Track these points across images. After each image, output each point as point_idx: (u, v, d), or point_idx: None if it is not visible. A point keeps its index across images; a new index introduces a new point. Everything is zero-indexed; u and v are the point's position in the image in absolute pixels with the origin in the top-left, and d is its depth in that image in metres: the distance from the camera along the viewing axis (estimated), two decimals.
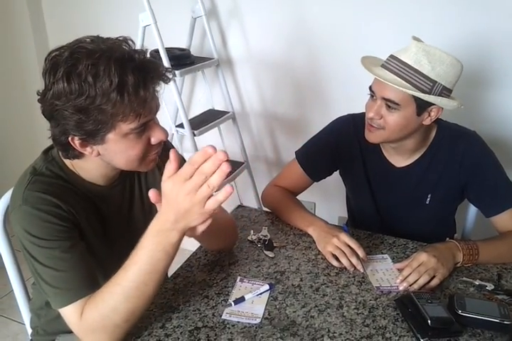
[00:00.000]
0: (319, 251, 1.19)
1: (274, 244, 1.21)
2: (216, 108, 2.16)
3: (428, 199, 1.28)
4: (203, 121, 1.98)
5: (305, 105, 2.01)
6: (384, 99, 1.11)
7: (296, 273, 1.10)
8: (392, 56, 1.13)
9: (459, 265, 1.11)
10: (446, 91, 1.11)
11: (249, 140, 2.21)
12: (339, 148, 1.31)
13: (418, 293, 1.00)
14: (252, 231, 1.26)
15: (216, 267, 1.12)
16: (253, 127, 2.19)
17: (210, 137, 2.12)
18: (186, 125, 1.85)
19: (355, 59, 1.81)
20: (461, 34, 1.62)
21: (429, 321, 0.91)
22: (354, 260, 1.09)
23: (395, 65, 1.10)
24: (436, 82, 1.08)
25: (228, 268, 1.12)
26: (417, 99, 1.09)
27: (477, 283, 1.08)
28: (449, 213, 1.37)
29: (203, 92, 2.18)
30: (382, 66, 1.14)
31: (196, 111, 2.14)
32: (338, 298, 1.02)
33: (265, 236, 1.23)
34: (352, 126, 1.29)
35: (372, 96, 1.16)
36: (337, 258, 1.11)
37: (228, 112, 2.09)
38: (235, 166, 2.13)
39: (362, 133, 1.23)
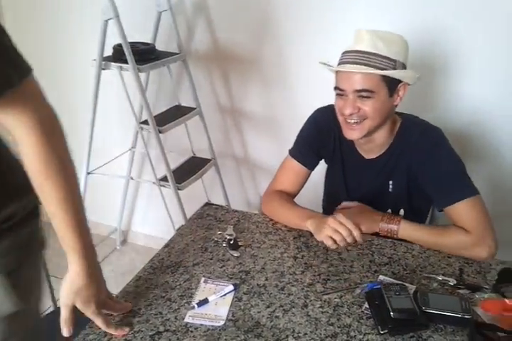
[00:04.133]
0: (285, 249, 1.18)
1: (240, 243, 1.20)
2: (182, 104, 2.12)
3: (390, 186, 1.31)
4: (168, 118, 1.95)
5: (273, 101, 1.99)
6: (357, 90, 1.14)
7: (262, 273, 1.09)
8: (347, 51, 1.17)
9: (378, 231, 1.23)
10: (404, 67, 1.18)
11: (217, 136, 2.18)
12: (320, 136, 1.36)
13: (388, 285, 1.00)
14: (217, 231, 1.24)
15: (180, 268, 1.10)
16: (220, 123, 2.16)
17: (176, 134, 2.09)
18: (151, 122, 1.80)
19: (325, 53, 1.83)
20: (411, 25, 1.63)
21: (391, 313, 0.91)
22: (350, 240, 1.11)
23: (353, 56, 1.14)
24: (395, 60, 1.14)
25: (192, 269, 1.09)
26: (386, 81, 1.14)
27: (440, 278, 1.09)
28: (416, 204, 1.37)
29: (168, 88, 2.13)
30: (342, 63, 1.17)
31: (162, 107, 2.09)
32: (303, 297, 1.01)
33: (230, 235, 1.21)
34: (332, 116, 1.30)
35: (340, 95, 1.18)
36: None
37: (195, 108, 2.06)
38: (202, 163, 2.10)
39: (339, 123, 1.27)
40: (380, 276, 1.10)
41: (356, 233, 1.11)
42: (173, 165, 2.03)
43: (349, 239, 1.11)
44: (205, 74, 2.06)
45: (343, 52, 1.18)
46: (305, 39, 1.81)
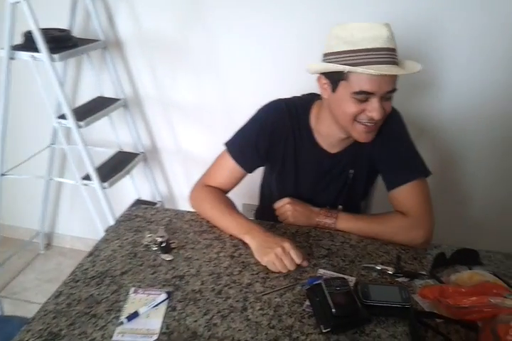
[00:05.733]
0: (221, 248, 1.12)
1: (172, 245, 1.12)
2: (105, 95, 1.97)
3: (351, 176, 1.28)
4: (89, 111, 1.80)
5: (204, 90, 1.90)
6: (388, 92, 1.04)
7: (197, 276, 1.02)
8: (373, 49, 1.00)
9: (316, 226, 1.22)
10: None
11: (145, 129, 2.06)
12: (273, 135, 1.22)
13: (329, 280, 0.97)
14: (147, 233, 1.15)
15: (106, 279, 1.00)
16: (148, 115, 2.03)
17: (100, 128, 1.95)
18: (70, 115, 1.65)
19: (257, 40, 1.78)
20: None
21: (332, 310, 0.88)
22: (293, 269, 1.05)
23: (386, 55, 1.01)
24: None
25: (120, 279, 1.00)
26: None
27: (379, 267, 1.08)
28: (363, 190, 1.36)
29: (89, 78, 1.97)
30: (372, 62, 1.00)
31: (83, 99, 1.94)
32: (242, 300, 0.96)
33: (162, 237, 1.13)
34: (287, 112, 1.22)
35: (363, 100, 1.04)
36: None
37: (119, 99, 1.93)
38: (130, 158, 1.98)
39: (296, 120, 1.21)
40: (320, 270, 1.07)
41: (300, 262, 1.05)
42: (99, 162, 1.89)
43: (292, 268, 1.05)
44: (129, 62, 1.91)
45: (365, 50, 0.99)
46: (236, 26, 1.73)
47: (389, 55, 1.01)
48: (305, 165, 1.27)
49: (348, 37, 1.01)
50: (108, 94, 1.97)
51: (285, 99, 1.25)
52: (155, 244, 1.11)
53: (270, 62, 1.76)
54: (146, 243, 1.12)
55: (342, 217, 1.22)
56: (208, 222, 1.23)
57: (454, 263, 1.11)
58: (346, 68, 1.00)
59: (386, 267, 1.08)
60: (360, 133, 1.11)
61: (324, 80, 1.10)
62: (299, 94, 1.30)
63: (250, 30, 1.71)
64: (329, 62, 1.05)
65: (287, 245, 1.05)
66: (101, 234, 1.92)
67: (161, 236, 1.13)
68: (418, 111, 1.73)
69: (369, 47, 0.99)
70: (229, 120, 1.93)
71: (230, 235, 1.17)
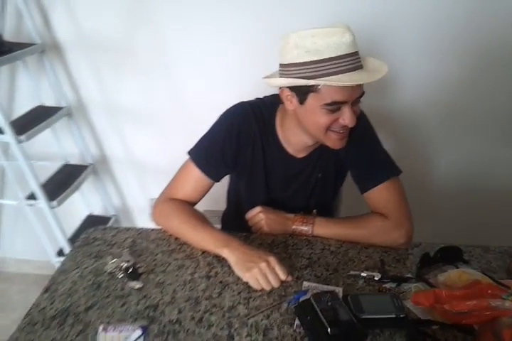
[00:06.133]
0: (195, 268, 1.02)
1: (140, 270, 1.01)
2: (46, 104, 1.80)
3: (319, 179, 1.23)
4: (30, 122, 1.64)
5: (155, 92, 1.77)
6: (357, 97, 1.00)
7: (173, 304, 0.92)
8: (335, 57, 0.93)
9: (292, 233, 1.16)
10: None
11: (93, 138, 1.91)
12: (240, 140, 1.14)
13: (318, 295, 0.90)
14: (110, 259, 1.03)
15: (69, 317, 0.88)
16: (95, 123, 1.88)
17: (43, 140, 1.78)
18: (8, 129, 1.49)
19: (210, 39, 1.68)
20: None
21: (328, 329, 0.81)
22: (277, 286, 0.96)
23: (350, 61, 0.94)
24: None
25: (85, 316, 0.88)
26: None
27: (364, 274, 1.02)
28: (332, 191, 1.32)
29: (26, 86, 1.79)
30: (339, 72, 0.93)
31: (21, 110, 1.75)
32: (227, 326, 0.87)
33: (127, 261, 1.01)
34: (253, 116, 1.13)
35: (333, 110, 0.99)
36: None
37: (62, 108, 1.77)
38: (79, 171, 1.82)
39: (262, 124, 1.14)
40: (305, 283, 1.00)
41: (285, 277, 0.97)
42: (44, 178, 1.72)
43: (277, 286, 0.96)
44: (70, 67, 1.75)
45: (331, 59, 0.92)
46: (186, 23, 1.62)
47: (355, 60, 0.95)
48: (274, 169, 1.21)
49: (310, 45, 0.93)
50: (49, 102, 1.80)
51: (249, 102, 1.17)
52: (120, 271, 0.99)
53: (225, 61, 1.67)
54: (110, 270, 1.00)
55: (319, 223, 1.16)
56: (176, 239, 1.13)
57: (438, 262, 1.08)
58: (319, 82, 0.94)
59: (371, 273, 1.03)
60: (334, 141, 1.06)
61: (289, 92, 1.02)
62: (258, 94, 1.22)
63: (202, 27, 1.61)
64: (294, 75, 0.96)
65: (272, 259, 0.97)
66: (51, 255, 1.77)
67: (126, 261, 1.01)
68: (378, 106, 1.70)
69: (334, 55, 0.92)
70: (184, 123, 1.82)
71: (203, 252, 1.08)
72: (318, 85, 0.95)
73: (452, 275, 1.01)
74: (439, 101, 1.69)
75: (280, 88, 1.04)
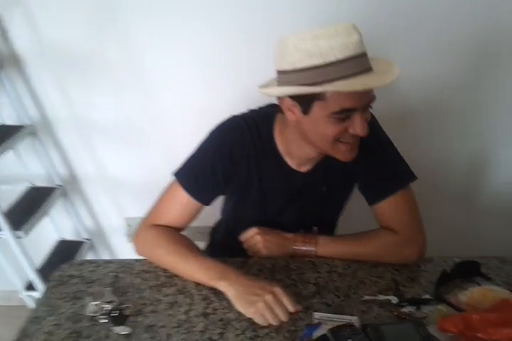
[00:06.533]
0: (189, 304, 0.90)
1: (126, 312, 0.87)
2: (7, 123, 1.64)
3: (324, 193, 1.10)
4: None
5: (127, 106, 1.63)
6: (368, 103, 0.89)
7: None
8: (343, 60, 0.81)
9: (294, 254, 1.06)
10: None
11: (60, 157, 1.75)
12: (233, 158, 1.01)
13: (335, 330, 0.79)
14: (90, 300, 0.89)
15: None
16: (62, 140, 1.71)
17: (4, 162, 1.61)
18: None
19: (184, 47, 1.55)
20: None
21: None
22: (285, 319, 0.85)
23: (359, 63, 0.83)
24: None
25: None
26: None
27: (380, 298, 0.92)
28: (338, 206, 1.19)
29: None
30: (348, 75, 0.82)
31: None
32: None
33: (110, 302, 0.88)
34: (247, 132, 1.01)
35: (344, 118, 0.87)
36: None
37: (24, 126, 1.60)
38: (46, 194, 1.66)
39: (258, 138, 1.02)
40: (315, 314, 0.88)
41: (294, 309, 0.86)
42: (7, 204, 1.56)
43: (285, 320, 0.85)
44: (32, 81, 1.58)
45: (338, 62, 0.81)
46: (162, 32, 1.48)
47: (363, 61, 0.84)
48: (272, 188, 1.08)
49: (312, 48, 0.81)
50: (10, 121, 1.63)
51: (242, 115, 1.05)
52: (103, 314, 0.86)
53: (205, 70, 1.55)
54: (91, 314, 0.86)
55: (323, 242, 1.06)
56: (165, 270, 1.00)
57: (455, 278, 0.99)
58: (327, 88, 0.82)
59: (387, 297, 0.93)
60: (344, 153, 0.94)
61: (290, 102, 0.90)
62: (243, 106, 1.10)
63: (178, 34, 1.48)
64: (295, 82, 0.85)
65: (278, 290, 0.86)
66: (19, 288, 1.60)
67: (108, 302, 0.88)
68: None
69: (341, 57, 0.81)
70: (160, 138, 1.69)
71: (197, 284, 0.95)
72: (325, 92, 0.84)
73: (475, 294, 0.92)
74: (434, 101, 1.61)
75: (279, 98, 0.92)
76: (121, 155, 1.75)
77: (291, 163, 1.05)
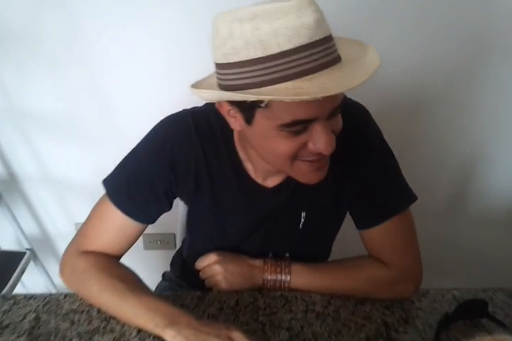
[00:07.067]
0: None
1: None
2: None
3: (302, 220, 0.86)
4: None
5: (71, 95, 1.39)
6: (336, 107, 0.63)
7: None
8: (293, 49, 0.56)
9: (262, 286, 0.86)
10: None
11: (29, 216, 1.57)
12: (176, 166, 0.79)
13: None
14: None
15: None
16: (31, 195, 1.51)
17: None
18: None
19: (135, 26, 1.32)
20: None
21: None
22: None
23: (322, 52, 0.57)
24: None
25: None
26: None
27: None
28: (326, 235, 0.97)
29: None
30: (304, 72, 0.57)
31: None
32: None
33: None
34: (194, 130, 0.78)
35: (299, 131, 0.64)
36: None
37: None
38: (13, 260, 1.48)
39: (210, 140, 0.79)
40: None
41: None
42: None
43: None
44: None
45: (286, 54, 0.56)
46: (109, 10, 1.25)
47: (325, 49, 0.58)
48: (230, 206, 0.84)
49: (250, 33, 0.56)
50: None
51: (193, 110, 0.82)
52: None
53: (158, 55, 1.33)
54: None
55: (297, 271, 0.86)
56: (99, 310, 0.79)
57: (457, 319, 0.82)
58: (263, 97, 0.58)
59: None
60: (306, 175, 0.71)
61: (229, 107, 0.67)
62: (197, 99, 0.87)
63: (126, 12, 1.26)
64: (228, 82, 0.61)
65: (238, 335, 0.66)
66: None
67: None
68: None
69: (287, 48, 0.56)
70: (110, 131, 1.46)
71: (139, 331, 0.75)
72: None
73: None
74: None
75: (218, 102, 0.69)
76: (66, 152, 1.52)
77: (253, 174, 0.82)
